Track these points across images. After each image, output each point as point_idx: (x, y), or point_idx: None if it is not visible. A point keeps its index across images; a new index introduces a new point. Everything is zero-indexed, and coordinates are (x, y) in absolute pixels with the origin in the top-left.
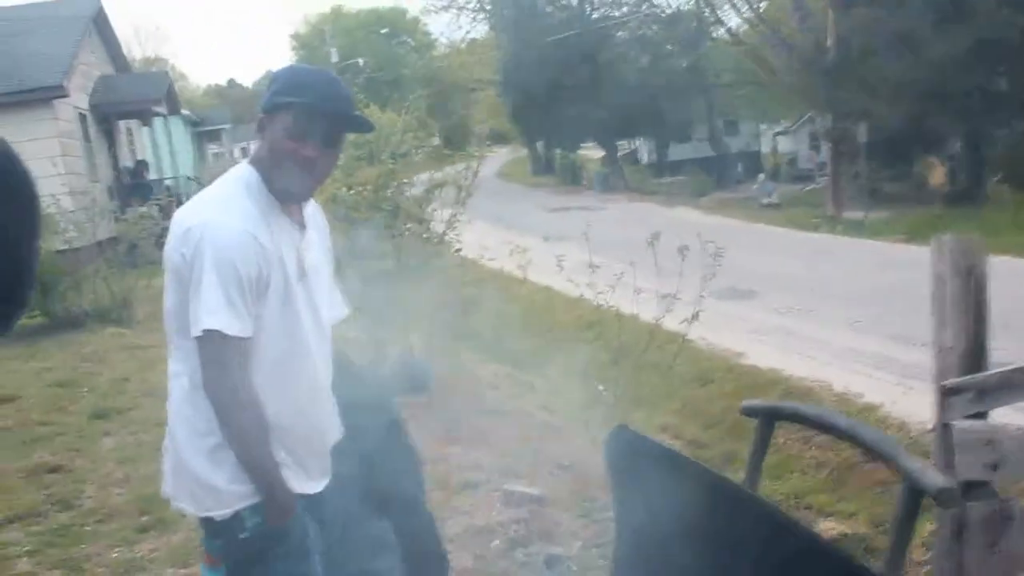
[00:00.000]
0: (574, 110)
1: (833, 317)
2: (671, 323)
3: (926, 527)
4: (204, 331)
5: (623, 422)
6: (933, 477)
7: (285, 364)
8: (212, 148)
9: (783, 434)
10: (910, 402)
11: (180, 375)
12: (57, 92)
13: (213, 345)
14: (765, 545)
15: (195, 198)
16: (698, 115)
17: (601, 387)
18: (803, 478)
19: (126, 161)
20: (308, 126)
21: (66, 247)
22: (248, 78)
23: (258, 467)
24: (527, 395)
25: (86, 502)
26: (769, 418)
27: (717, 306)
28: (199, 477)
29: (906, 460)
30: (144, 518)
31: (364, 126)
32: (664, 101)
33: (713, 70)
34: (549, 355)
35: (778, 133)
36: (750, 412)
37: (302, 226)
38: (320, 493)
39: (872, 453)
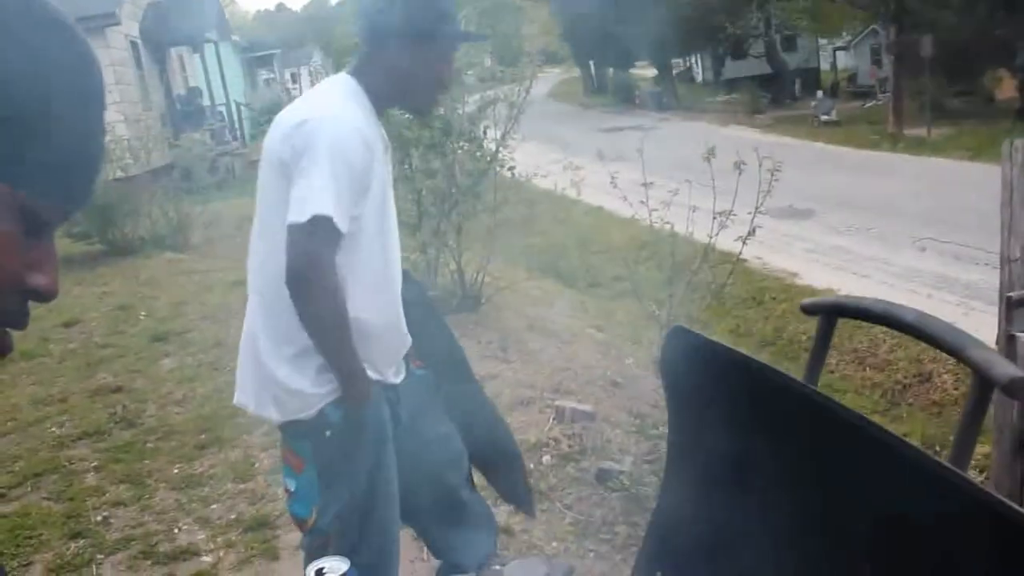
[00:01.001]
0: (627, 27)
1: (893, 237)
2: (726, 242)
3: (977, 447)
4: (311, 216)
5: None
6: (1004, 367)
7: (380, 269)
8: (263, 74)
9: (836, 355)
10: (970, 322)
11: (256, 290)
12: (109, 20)
13: (312, 231)
14: (829, 442)
15: (302, 98)
16: (755, 31)
17: (653, 306)
18: (857, 398)
19: (178, 88)
20: (453, 50)
21: (122, 175)
22: (297, 2)
23: (337, 353)
24: (580, 314)
25: (147, 420)
26: (831, 315)
27: (774, 225)
28: (284, 384)
29: (976, 350)
30: (203, 435)
31: (478, 39)
32: (719, 16)
33: None
34: (602, 274)
35: (838, 48)
36: (811, 309)
37: (385, 139)
38: (396, 387)
39: (940, 346)
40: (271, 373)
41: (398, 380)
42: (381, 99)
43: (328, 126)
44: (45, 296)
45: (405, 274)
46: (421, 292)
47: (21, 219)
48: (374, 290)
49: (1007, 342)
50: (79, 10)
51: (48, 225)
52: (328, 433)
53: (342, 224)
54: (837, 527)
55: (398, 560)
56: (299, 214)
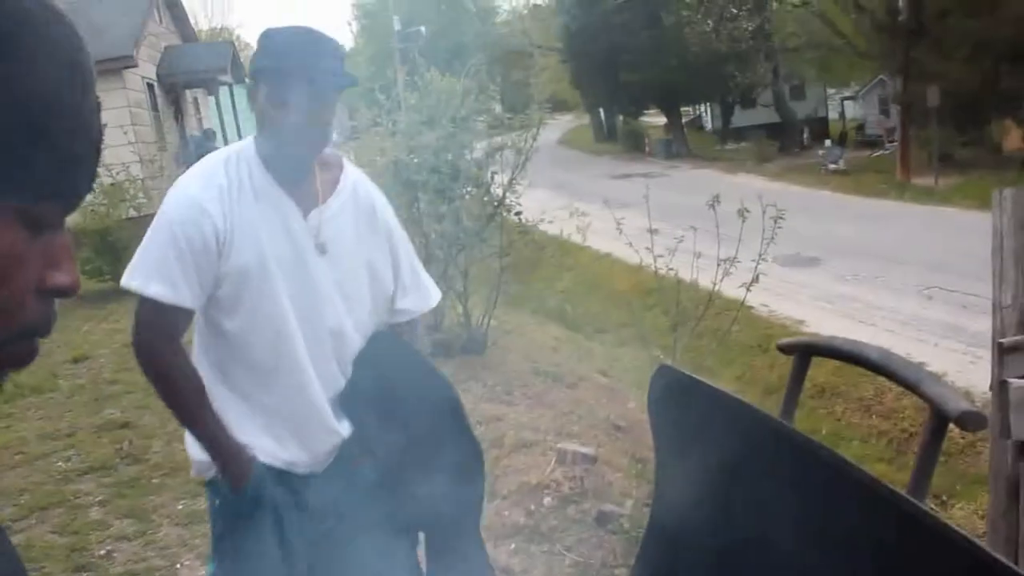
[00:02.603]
0: (637, 76)
1: (900, 285)
2: (732, 289)
3: (985, 497)
4: (137, 292)
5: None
6: (956, 402)
7: (262, 348)
8: None
9: (842, 403)
10: (978, 371)
11: None
12: (126, 62)
13: (140, 305)
14: (804, 477)
15: None
16: (763, 80)
17: (659, 353)
18: (863, 446)
19: (193, 130)
20: (290, 91)
21: (136, 214)
22: None
23: (197, 434)
24: (585, 359)
25: (153, 456)
26: (805, 353)
27: (780, 273)
28: (186, 446)
29: (930, 386)
30: None
31: (348, 82)
32: (728, 66)
33: (779, 33)
34: (608, 320)
35: (846, 98)
36: (786, 349)
37: (315, 198)
38: (307, 477)
39: (899, 382)
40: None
41: (307, 470)
42: (266, 157)
43: (168, 197)
44: (68, 291)
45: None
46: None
47: (23, 227)
48: (264, 371)
49: (999, 388)
50: (98, 52)
51: (53, 224)
52: (217, 502)
53: (176, 299)
54: (813, 559)
55: None
56: (124, 278)
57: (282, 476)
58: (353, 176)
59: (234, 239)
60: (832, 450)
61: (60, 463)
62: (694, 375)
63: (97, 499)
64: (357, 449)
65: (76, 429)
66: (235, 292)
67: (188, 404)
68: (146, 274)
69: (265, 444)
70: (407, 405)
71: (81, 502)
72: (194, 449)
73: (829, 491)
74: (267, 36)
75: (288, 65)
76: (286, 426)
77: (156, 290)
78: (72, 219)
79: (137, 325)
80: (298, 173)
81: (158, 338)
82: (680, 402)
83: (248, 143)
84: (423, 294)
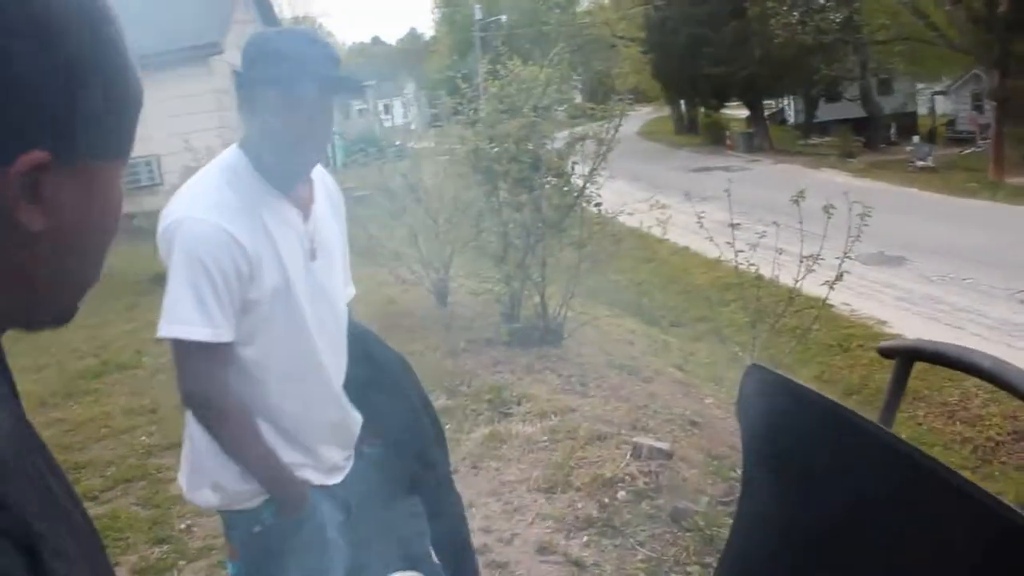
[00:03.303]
0: (719, 68)
1: (989, 288)
2: (813, 287)
3: None
4: (174, 339)
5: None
6: None
7: (290, 365)
8: (357, 104)
9: (925, 407)
10: None
11: None
12: (214, 50)
13: (183, 352)
14: (908, 490)
15: (179, 190)
16: (850, 73)
17: (737, 349)
18: (946, 453)
19: None
20: (290, 99)
21: None
22: (392, 36)
23: (257, 469)
24: (661, 353)
25: None
26: (907, 359)
27: (864, 272)
28: (214, 475)
29: None
30: None
31: (351, 87)
32: (814, 58)
33: (868, 25)
34: (685, 314)
35: (936, 93)
36: (888, 352)
37: (308, 202)
38: (342, 482)
39: (1015, 393)
40: (204, 463)
41: (343, 472)
42: (266, 167)
43: (181, 232)
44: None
45: (372, 345)
46: (391, 362)
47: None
48: (289, 387)
49: None
50: (187, 40)
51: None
52: (257, 529)
53: (216, 336)
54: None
55: None
56: (163, 328)
57: (325, 491)
58: (317, 167)
59: (262, 262)
60: (942, 463)
61: (144, 437)
62: (790, 376)
63: (178, 474)
64: (364, 431)
65: (159, 405)
66: (261, 318)
67: (248, 442)
68: (186, 319)
69: (297, 459)
70: (382, 374)
71: (163, 476)
72: (228, 479)
73: (938, 507)
74: (259, 42)
75: (291, 71)
76: (317, 435)
77: (202, 334)
78: (159, 204)
79: (186, 376)
80: (298, 180)
81: (214, 384)
82: (772, 404)
83: (234, 155)
84: (348, 280)
